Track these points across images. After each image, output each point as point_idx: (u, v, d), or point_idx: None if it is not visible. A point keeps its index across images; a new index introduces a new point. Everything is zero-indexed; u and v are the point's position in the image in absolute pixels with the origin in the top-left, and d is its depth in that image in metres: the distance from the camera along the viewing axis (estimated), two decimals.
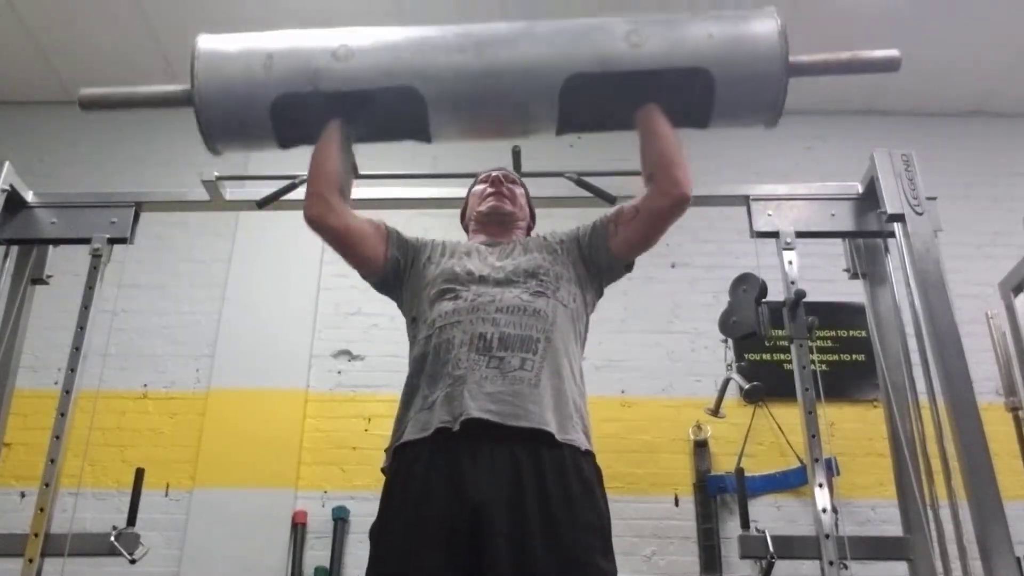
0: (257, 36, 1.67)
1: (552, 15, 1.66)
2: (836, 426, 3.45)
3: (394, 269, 1.68)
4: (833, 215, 2.20)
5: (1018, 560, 1.74)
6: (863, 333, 3.47)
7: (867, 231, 2.19)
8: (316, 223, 1.60)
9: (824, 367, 2.29)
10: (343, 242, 1.64)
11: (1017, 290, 2.59)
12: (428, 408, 1.45)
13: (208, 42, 1.65)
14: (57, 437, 2.01)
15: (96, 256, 2.19)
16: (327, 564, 3.32)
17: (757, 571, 3.03)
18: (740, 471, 3.16)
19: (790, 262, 2.12)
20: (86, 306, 2.14)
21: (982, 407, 1.82)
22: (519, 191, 1.88)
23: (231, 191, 2.42)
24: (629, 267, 1.71)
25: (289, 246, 3.77)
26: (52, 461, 1.99)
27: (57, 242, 2.29)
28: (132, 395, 3.70)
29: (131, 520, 2.07)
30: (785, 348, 3.08)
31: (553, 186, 2.37)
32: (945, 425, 1.89)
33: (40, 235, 2.26)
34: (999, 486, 1.76)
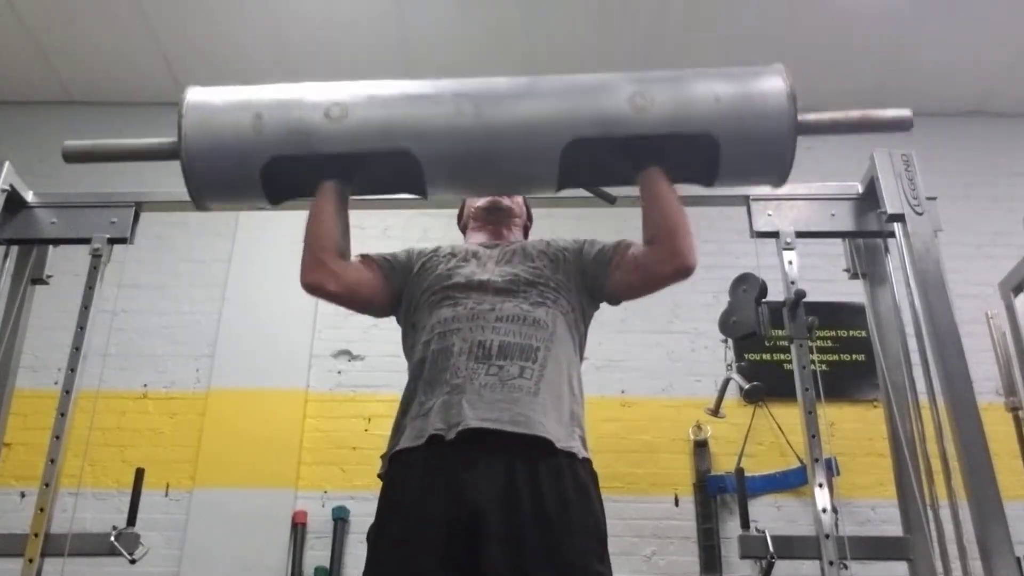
0: (247, 91, 1.60)
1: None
2: (836, 426, 3.45)
3: (397, 298, 1.67)
4: (833, 215, 2.20)
5: (1018, 560, 1.74)
6: (863, 333, 3.47)
7: (867, 231, 2.19)
8: (314, 290, 1.57)
9: (824, 367, 2.29)
10: (345, 301, 1.63)
11: (1017, 290, 2.58)
12: (424, 415, 1.44)
13: (197, 95, 1.58)
14: (57, 437, 2.01)
15: (96, 256, 2.18)
16: (327, 564, 3.33)
17: (757, 571, 3.03)
18: (740, 471, 3.16)
19: (790, 262, 2.11)
20: (86, 306, 2.13)
21: (982, 407, 1.82)
22: None
23: None
24: (617, 303, 1.69)
25: (289, 246, 3.75)
26: (52, 461, 1.99)
27: (57, 242, 2.28)
28: (132, 395, 3.70)
29: (131, 520, 2.06)
30: (785, 348, 3.07)
31: None
32: (945, 425, 1.89)
33: (40, 235, 2.26)
34: (999, 486, 1.75)
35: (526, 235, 1.90)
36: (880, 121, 1.64)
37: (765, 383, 3.09)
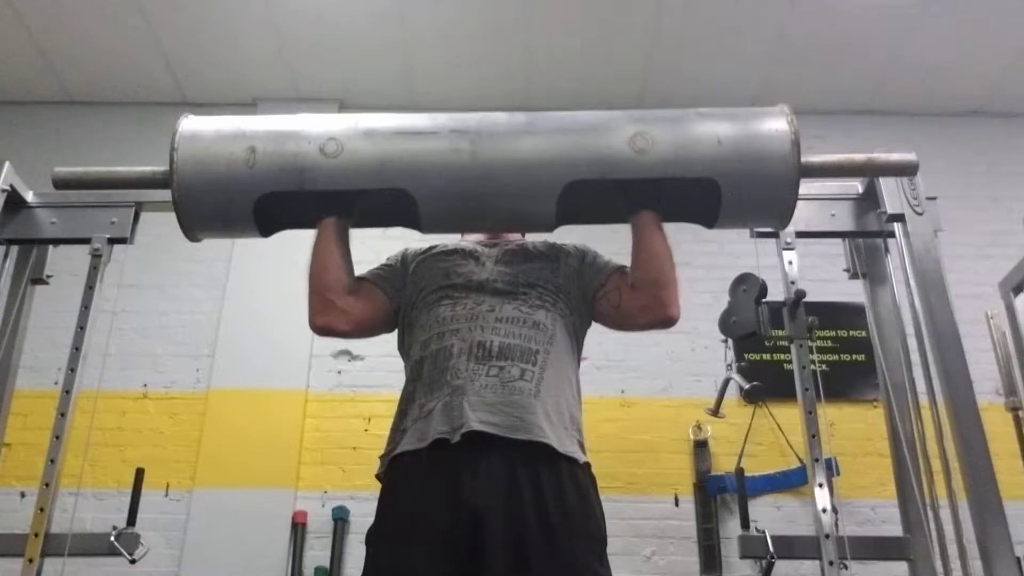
0: (241, 121, 1.57)
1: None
2: (836, 426, 3.44)
3: (400, 308, 1.66)
4: (833, 215, 2.20)
5: (1018, 560, 1.74)
6: (863, 333, 3.47)
7: (867, 231, 2.19)
8: (326, 332, 1.57)
9: (824, 367, 2.29)
10: (357, 336, 1.64)
11: (1017, 290, 2.58)
12: (425, 417, 1.43)
13: (190, 125, 1.55)
14: (57, 437, 2.01)
15: (96, 256, 2.18)
16: (327, 564, 3.33)
17: (757, 571, 3.03)
18: (740, 471, 3.16)
19: (790, 262, 2.11)
20: (86, 306, 2.13)
21: (982, 407, 1.82)
22: None
23: None
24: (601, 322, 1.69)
25: (289, 245, 3.76)
26: (52, 461, 1.99)
27: (57, 242, 2.28)
28: (132, 395, 3.70)
29: (131, 520, 2.06)
30: (785, 348, 3.08)
31: None
32: (945, 425, 1.89)
33: (40, 235, 2.26)
34: (999, 486, 1.76)
35: (524, 234, 1.89)
36: (884, 165, 1.62)
37: (765, 383, 3.09)
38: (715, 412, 3.30)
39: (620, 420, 3.67)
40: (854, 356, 3.70)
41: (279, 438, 3.60)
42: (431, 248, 1.71)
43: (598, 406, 3.54)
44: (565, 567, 1.32)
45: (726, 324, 2.18)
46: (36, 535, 1.92)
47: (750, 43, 3.97)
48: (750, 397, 3.18)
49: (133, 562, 1.97)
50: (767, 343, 3.05)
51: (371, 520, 1.45)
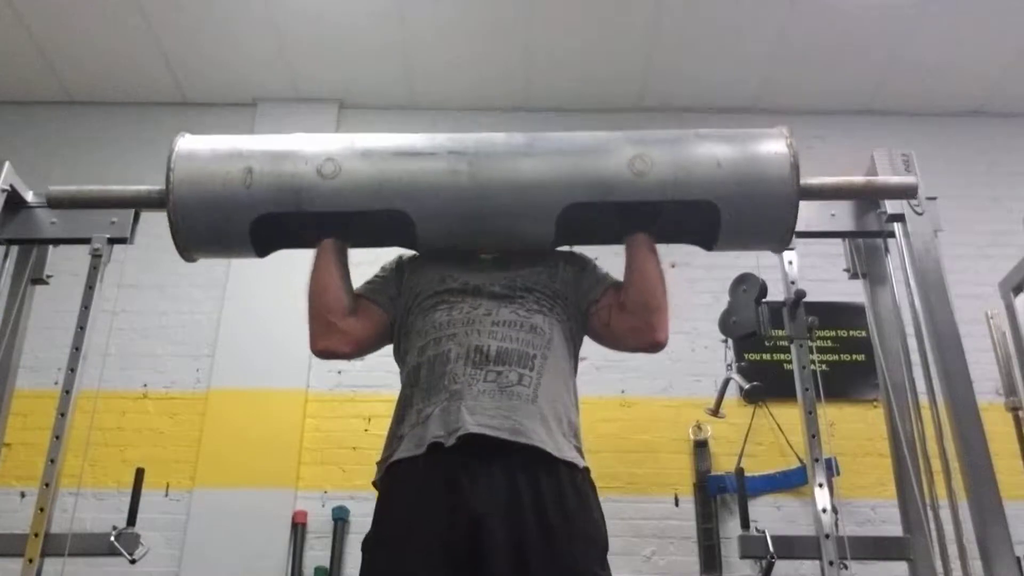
0: (237, 141, 1.57)
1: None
2: (836, 426, 3.44)
3: (396, 319, 1.65)
4: (833, 215, 2.20)
5: (1018, 560, 1.74)
6: (863, 333, 3.47)
7: (867, 231, 2.19)
8: (328, 355, 1.58)
9: (824, 367, 2.29)
10: (357, 355, 1.64)
11: (1017, 290, 2.58)
12: (423, 423, 1.42)
13: (187, 144, 1.55)
14: (57, 437, 2.01)
15: (96, 256, 2.18)
16: (327, 564, 3.33)
17: (757, 571, 3.03)
18: (740, 471, 3.17)
19: (790, 262, 2.12)
20: (86, 306, 2.13)
21: (982, 407, 1.82)
22: None
23: None
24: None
25: None
26: (52, 461, 1.99)
27: (57, 242, 2.28)
28: (132, 395, 3.70)
29: (131, 520, 2.07)
30: (785, 348, 3.08)
31: None
32: (945, 425, 1.89)
33: (40, 235, 2.26)
34: (999, 486, 1.76)
35: None
36: (883, 187, 1.65)
37: (765, 383, 3.09)
38: (715, 412, 3.30)
39: (620, 420, 3.67)
40: (854, 356, 3.70)
41: (279, 438, 3.60)
42: (425, 254, 1.70)
43: (598, 406, 3.54)
44: (565, 571, 1.31)
45: (726, 324, 2.18)
46: (36, 535, 1.92)
47: (750, 43, 3.96)
48: (750, 397, 3.18)
49: (133, 562, 1.97)
50: (767, 343, 3.04)
51: (371, 520, 1.44)
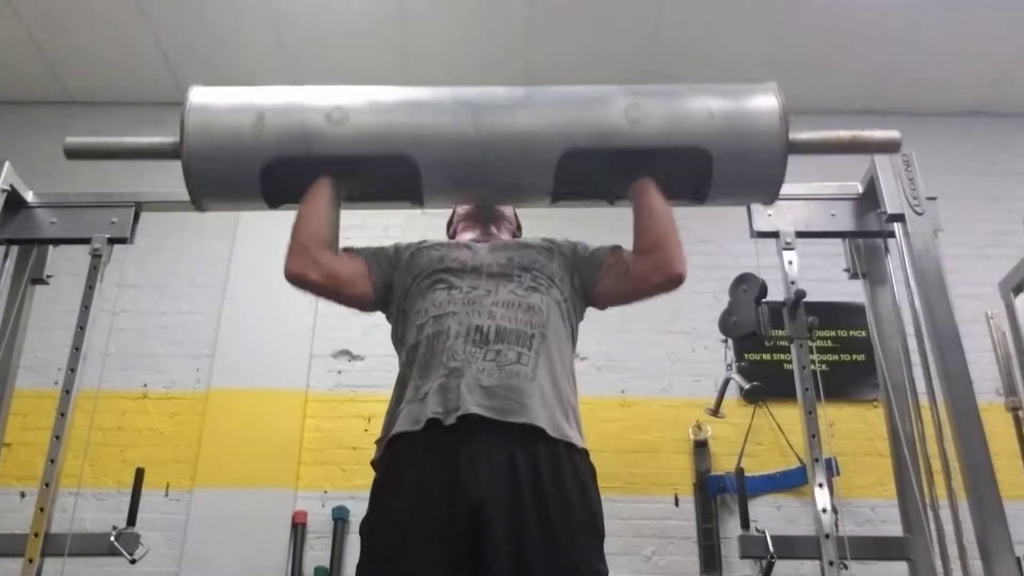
0: (249, 92, 1.61)
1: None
2: (836, 426, 3.44)
3: (385, 292, 1.66)
4: (833, 215, 2.20)
5: (1018, 560, 1.74)
6: (863, 333, 3.47)
7: (867, 231, 2.19)
8: (297, 279, 1.56)
9: (824, 367, 2.29)
10: (330, 292, 1.61)
11: (1017, 290, 2.58)
12: (421, 399, 1.43)
13: (200, 96, 1.59)
14: (57, 437, 2.01)
15: (96, 256, 2.18)
16: (327, 564, 3.33)
17: (757, 571, 3.03)
18: (740, 471, 3.16)
19: (790, 262, 2.11)
20: (86, 306, 2.13)
21: (982, 407, 1.82)
22: None
23: None
24: (602, 308, 1.71)
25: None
26: (52, 461, 1.99)
27: (57, 242, 2.28)
28: (132, 395, 3.70)
29: (131, 520, 2.06)
30: (785, 348, 3.07)
31: None
32: (945, 425, 1.89)
33: (40, 235, 2.26)
34: (999, 486, 1.76)
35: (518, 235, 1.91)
36: (870, 142, 1.70)
37: (765, 383, 3.09)
38: (715, 412, 3.30)
39: (620, 420, 3.67)
40: (854, 356, 3.70)
41: (279, 438, 3.59)
42: (423, 241, 1.72)
43: (598, 406, 3.54)
44: (565, 564, 1.31)
45: (726, 324, 2.18)
46: (36, 535, 1.92)
47: (750, 44, 3.96)
48: (750, 397, 3.18)
49: (133, 562, 1.97)
50: (767, 343, 3.03)
51: (368, 501, 1.43)
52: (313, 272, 1.56)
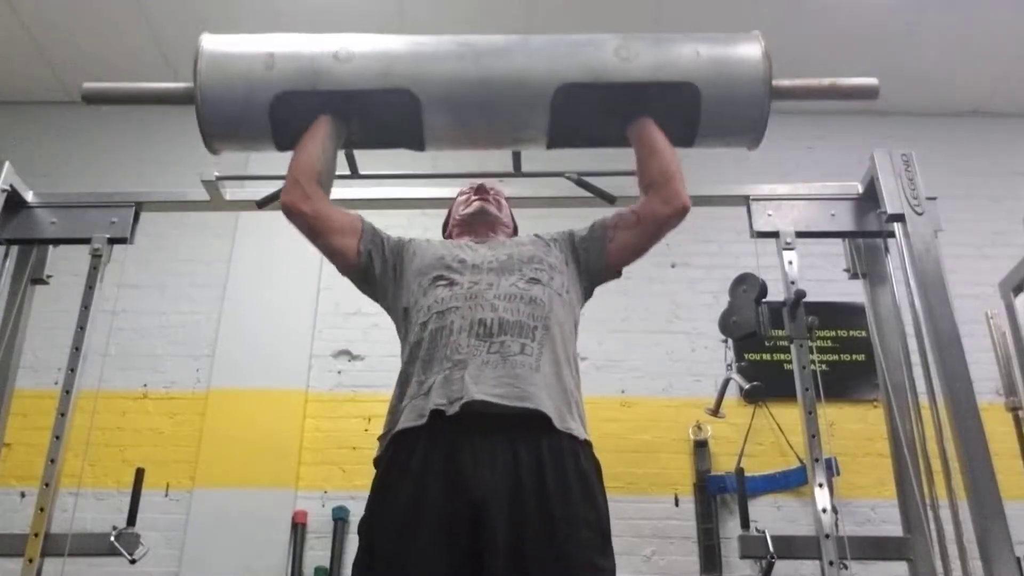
0: (260, 37, 1.68)
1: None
2: (836, 426, 3.45)
3: (367, 265, 1.66)
4: (833, 215, 2.20)
5: (1018, 560, 1.74)
6: (863, 333, 3.47)
7: (867, 231, 2.19)
8: (290, 208, 1.60)
9: (824, 367, 2.29)
10: (315, 230, 1.63)
11: (1017, 290, 2.58)
12: (424, 394, 1.43)
13: (212, 42, 1.66)
14: (57, 437, 2.01)
15: (96, 256, 2.19)
16: (327, 564, 3.33)
17: (757, 571, 3.04)
18: (740, 471, 3.17)
19: (790, 262, 2.12)
20: (86, 306, 2.14)
21: (982, 407, 1.82)
22: (504, 201, 1.90)
23: (231, 191, 2.42)
24: (618, 274, 1.72)
25: (289, 246, 3.76)
26: (52, 461, 1.99)
27: (57, 242, 2.29)
28: (132, 395, 3.70)
29: (131, 520, 2.07)
30: (785, 348, 3.08)
31: (553, 186, 2.38)
32: (945, 425, 1.89)
33: (40, 235, 2.26)
34: (999, 486, 1.76)
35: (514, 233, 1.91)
36: (848, 88, 1.81)
37: (765, 383, 3.09)
38: (715, 412, 3.30)
39: (620, 420, 3.66)
40: (854, 356, 3.70)
41: (279, 438, 3.59)
42: (425, 239, 1.75)
43: (598, 406, 3.53)
44: (564, 558, 1.31)
45: (726, 324, 2.18)
46: (36, 535, 1.93)
47: None
48: (750, 397, 3.18)
49: (133, 562, 1.98)
50: (767, 343, 3.03)
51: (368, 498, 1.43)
52: (304, 204, 1.60)
